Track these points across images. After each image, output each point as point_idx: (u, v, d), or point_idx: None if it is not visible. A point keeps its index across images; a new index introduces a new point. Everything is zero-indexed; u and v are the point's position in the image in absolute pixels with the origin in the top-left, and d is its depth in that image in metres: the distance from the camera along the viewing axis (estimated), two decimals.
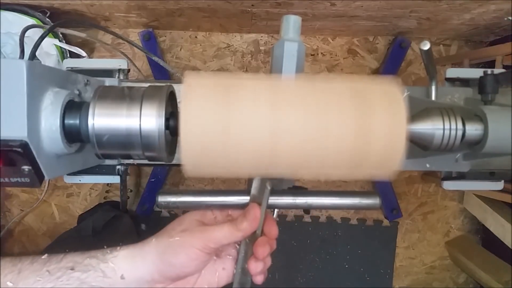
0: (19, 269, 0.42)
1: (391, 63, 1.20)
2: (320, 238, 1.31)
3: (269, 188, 0.46)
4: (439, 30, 1.13)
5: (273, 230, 0.45)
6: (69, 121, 0.46)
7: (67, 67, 0.67)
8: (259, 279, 0.44)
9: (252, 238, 0.44)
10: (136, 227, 1.04)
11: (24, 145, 0.41)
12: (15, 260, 0.43)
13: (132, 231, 1.00)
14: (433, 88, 0.65)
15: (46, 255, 0.44)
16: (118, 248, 0.44)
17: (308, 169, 0.43)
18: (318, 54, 1.24)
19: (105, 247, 0.44)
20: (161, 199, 0.46)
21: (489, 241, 1.24)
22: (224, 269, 0.46)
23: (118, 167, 0.67)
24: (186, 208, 0.47)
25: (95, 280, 0.42)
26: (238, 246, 0.46)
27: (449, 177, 0.72)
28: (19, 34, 0.58)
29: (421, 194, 1.30)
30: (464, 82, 0.70)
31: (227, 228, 0.42)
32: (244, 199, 0.46)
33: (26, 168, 0.43)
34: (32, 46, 0.52)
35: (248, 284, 0.43)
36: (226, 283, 0.46)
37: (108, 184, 1.22)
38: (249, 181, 0.55)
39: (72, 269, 0.42)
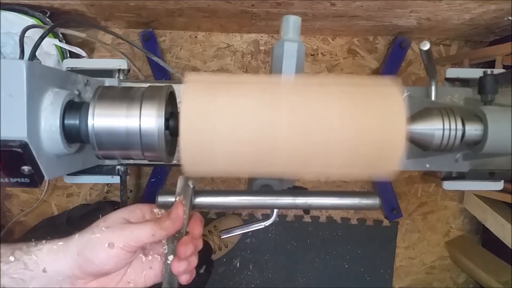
0: None
1: (391, 63, 1.20)
2: (320, 238, 1.31)
3: (191, 187, 0.46)
4: (439, 30, 1.13)
5: (196, 229, 0.45)
6: (69, 122, 0.46)
7: (67, 67, 0.67)
8: (183, 279, 0.43)
9: (177, 237, 0.44)
10: None
11: (24, 146, 0.41)
12: None
13: None
14: (433, 88, 0.65)
15: None
16: (44, 241, 0.43)
17: (308, 169, 0.43)
18: (318, 54, 1.24)
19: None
20: (161, 199, 0.46)
21: (489, 241, 1.24)
22: (151, 268, 0.45)
23: (118, 167, 0.67)
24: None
25: (16, 272, 0.41)
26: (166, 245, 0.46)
27: (449, 177, 0.72)
28: (19, 34, 0.58)
29: (421, 194, 1.30)
30: (464, 82, 0.70)
31: (150, 227, 0.42)
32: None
33: (26, 168, 0.43)
34: (32, 46, 0.52)
35: (175, 284, 0.43)
36: (153, 282, 0.46)
37: (108, 184, 1.22)
38: (249, 181, 0.55)
39: None
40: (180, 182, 0.46)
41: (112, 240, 0.41)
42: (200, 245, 0.45)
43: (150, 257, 0.46)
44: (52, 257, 0.42)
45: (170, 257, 0.43)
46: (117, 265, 0.42)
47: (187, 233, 0.45)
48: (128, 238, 0.41)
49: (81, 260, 0.41)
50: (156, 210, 0.47)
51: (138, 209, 0.47)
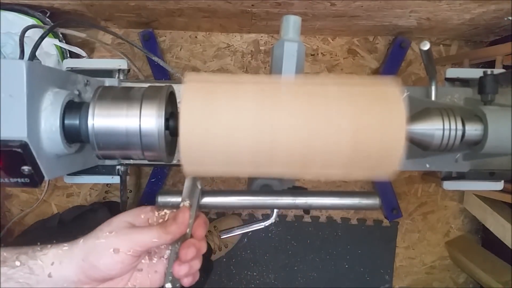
0: None
1: (391, 63, 1.20)
2: (320, 238, 1.31)
3: (199, 187, 0.46)
4: (439, 30, 1.13)
5: (198, 231, 0.44)
6: (69, 122, 0.46)
7: (67, 67, 0.67)
8: (186, 282, 0.42)
9: (182, 240, 0.43)
10: None
11: (24, 146, 0.41)
12: None
13: None
14: (433, 88, 0.65)
15: None
16: (49, 246, 0.43)
17: (308, 169, 0.43)
18: (318, 54, 1.24)
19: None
20: (161, 199, 0.46)
21: (489, 241, 1.24)
22: (156, 272, 0.45)
23: (118, 167, 0.67)
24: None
25: (22, 276, 0.41)
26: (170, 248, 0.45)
27: (449, 177, 0.72)
28: (19, 34, 0.59)
29: (421, 194, 1.30)
30: (464, 82, 0.70)
31: (156, 231, 0.41)
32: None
33: (26, 168, 0.43)
34: (32, 46, 0.52)
35: (178, 285, 0.42)
36: (159, 285, 0.45)
37: (107, 184, 1.22)
38: (249, 181, 0.55)
39: None
40: (187, 182, 0.45)
41: (117, 245, 0.41)
42: (203, 248, 0.44)
43: (155, 260, 0.45)
44: (57, 262, 0.42)
45: (173, 259, 0.43)
46: (122, 270, 0.42)
47: (191, 235, 0.44)
48: (133, 242, 0.41)
49: (86, 266, 0.41)
50: (157, 213, 0.46)
51: (143, 212, 0.46)
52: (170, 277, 0.42)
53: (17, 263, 0.41)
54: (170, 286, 0.41)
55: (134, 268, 0.44)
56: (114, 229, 0.43)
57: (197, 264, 0.44)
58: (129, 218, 0.44)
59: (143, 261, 0.45)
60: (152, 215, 0.46)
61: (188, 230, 0.43)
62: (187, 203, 0.44)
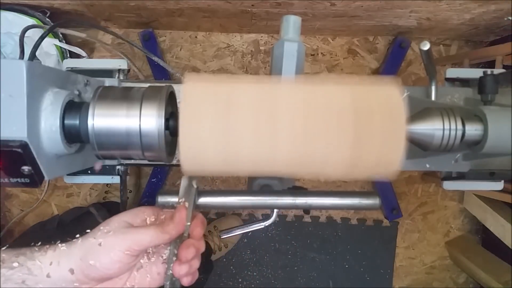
0: None
1: (391, 63, 1.20)
2: (320, 238, 1.31)
3: (195, 187, 0.46)
4: (439, 30, 1.13)
5: (196, 231, 0.44)
6: (69, 122, 0.46)
7: (67, 67, 0.67)
8: (185, 281, 0.43)
9: (180, 239, 0.43)
10: None
11: (24, 146, 0.41)
12: None
13: None
14: (433, 88, 0.65)
15: None
16: (47, 246, 0.43)
17: (308, 169, 0.43)
18: (318, 54, 1.24)
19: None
20: (161, 199, 0.46)
21: (489, 241, 1.25)
22: (155, 271, 0.45)
23: (118, 167, 0.67)
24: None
25: (20, 277, 0.41)
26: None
27: (449, 177, 0.72)
28: (19, 34, 0.59)
29: (421, 194, 1.30)
30: (464, 82, 0.70)
31: (153, 230, 0.42)
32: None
33: (26, 168, 0.43)
34: (32, 46, 0.52)
35: (178, 285, 0.42)
36: (158, 285, 0.45)
37: (107, 184, 1.22)
38: (249, 181, 0.55)
39: None
40: (183, 182, 0.46)
41: (114, 245, 0.41)
42: (202, 247, 0.44)
43: (153, 260, 0.45)
44: (55, 262, 0.42)
45: (171, 259, 0.43)
46: (120, 269, 0.42)
47: (189, 235, 0.44)
48: (130, 242, 0.41)
49: (84, 265, 0.41)
50: (156, 214, 0.46)
51: (141, 212, 0.46)
52: (170, 277, 0.42)
53: (15, 264, 0.41)
54: (170, 286, 0.41)
55: (133, 267, 0.44)
56: (112, 228, 0.43)
57: (196, 263, 0.44)
58: (127, 218, 0.44)
59: (141, 260, 0.45)
60: (151, 215, 0.46)
61: (185, 230, 0.43)
62: (183, 202, 0.44)
